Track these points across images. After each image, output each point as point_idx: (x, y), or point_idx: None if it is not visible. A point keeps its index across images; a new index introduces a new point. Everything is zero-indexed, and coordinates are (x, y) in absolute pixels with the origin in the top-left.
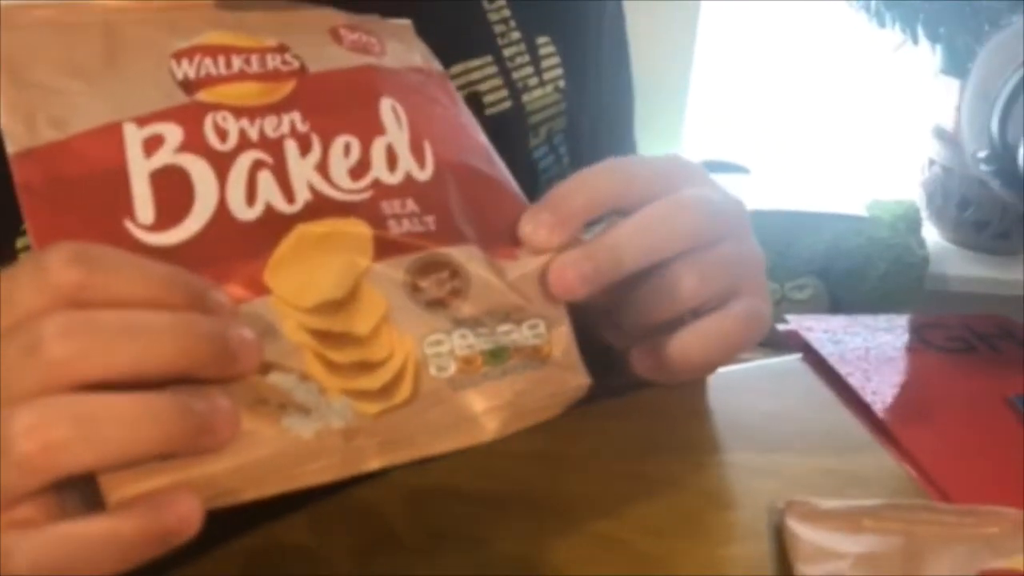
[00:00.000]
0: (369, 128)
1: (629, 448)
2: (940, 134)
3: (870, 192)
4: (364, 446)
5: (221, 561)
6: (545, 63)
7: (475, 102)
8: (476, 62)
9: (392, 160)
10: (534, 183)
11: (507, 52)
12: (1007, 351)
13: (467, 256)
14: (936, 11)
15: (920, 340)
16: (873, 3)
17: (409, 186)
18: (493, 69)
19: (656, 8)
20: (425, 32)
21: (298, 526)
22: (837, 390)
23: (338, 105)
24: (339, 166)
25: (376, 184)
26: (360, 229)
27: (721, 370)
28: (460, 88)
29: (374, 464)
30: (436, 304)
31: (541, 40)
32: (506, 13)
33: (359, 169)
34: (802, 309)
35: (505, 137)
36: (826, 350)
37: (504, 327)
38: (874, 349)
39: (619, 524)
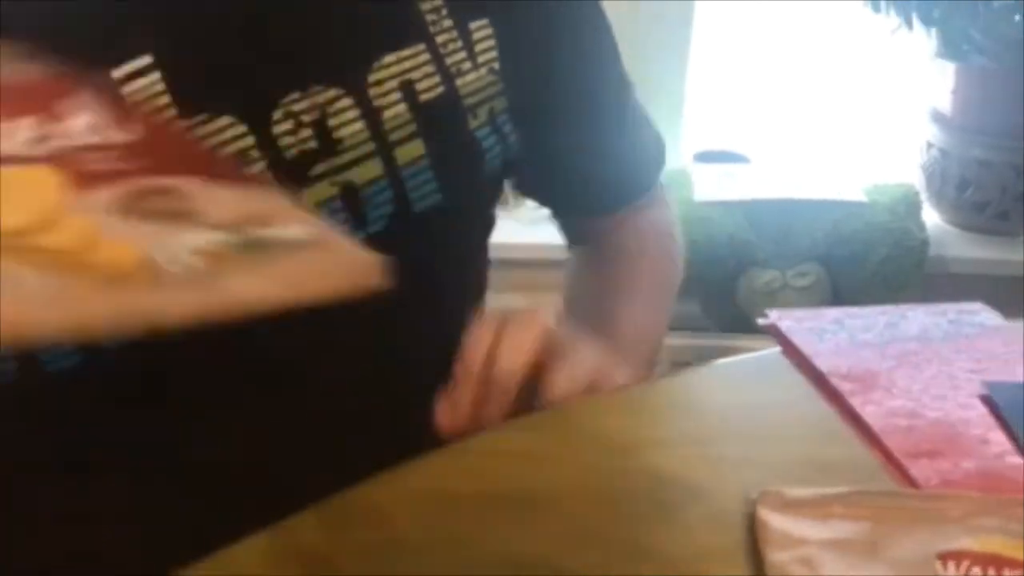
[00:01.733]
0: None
1: (614, 444)
2: (937, 117)
3: (869, 177)
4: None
5: (231, 560)
6: (479, 47)
7: (408, 90)
8: (408, 51)
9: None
10: (479, 162)
11: (439, 39)
12: (982, 341)
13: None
14: None
15: (897, 331)
16: None
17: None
18: (426, 56)
19: (650, 9)
20: (357, 24)
21: (307, 525)
22: (814, 382)
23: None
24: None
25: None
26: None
27: (704, 365)
28: (393, 77)
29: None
30: (162, 217)
31: (476, 24)
32: (438, 2)
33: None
34: (804, 296)
35: (440, 121)
36: (805, 343)
37: (259, 229)
38: (852, 342)
39: (604, 517)
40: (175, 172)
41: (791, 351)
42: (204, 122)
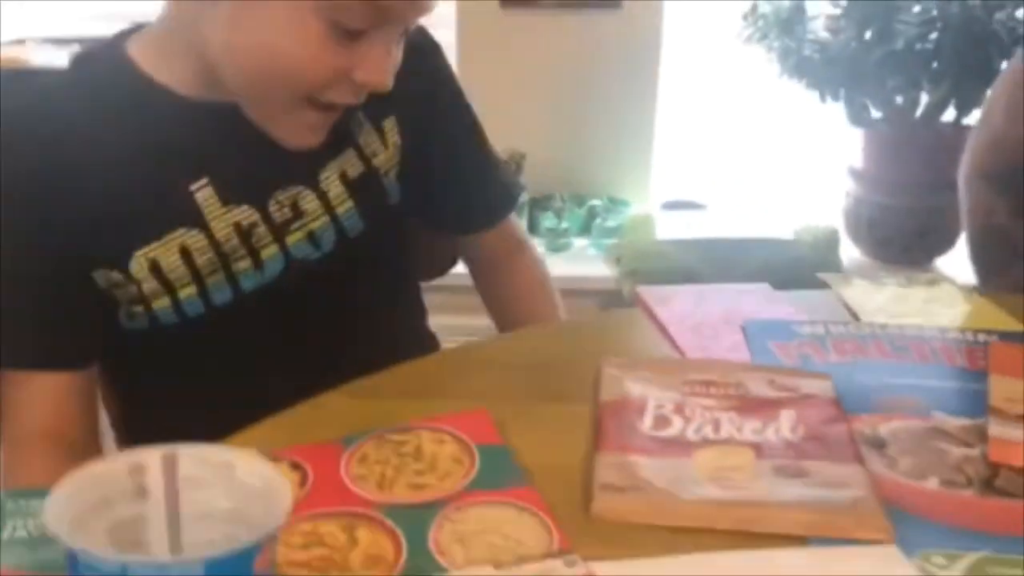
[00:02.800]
0: None
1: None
2: (852, 172)
3: (802, 220)
4: None
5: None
6: (388, 136)
7: (343, 175)
8: (342, 156)
9: None
10: (388, 204)
11: (361, 140)
12: (757, 302)
13: None
14: (836, 76)
15: (722, 310)
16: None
17: None
18: (353, 153)
19: (623, 79)
20: (314, 149)
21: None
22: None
23: None
24: None
25: None
26: None
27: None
28: (333, 172)
29: None
30: None
31: (387, 122)
32: (360, 116)
33: None
34: None
35: (363, 186)
36: (659, 309)
37: None
38: (692, 312)
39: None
40: None
41: (646, 309)
42: (231, 209)
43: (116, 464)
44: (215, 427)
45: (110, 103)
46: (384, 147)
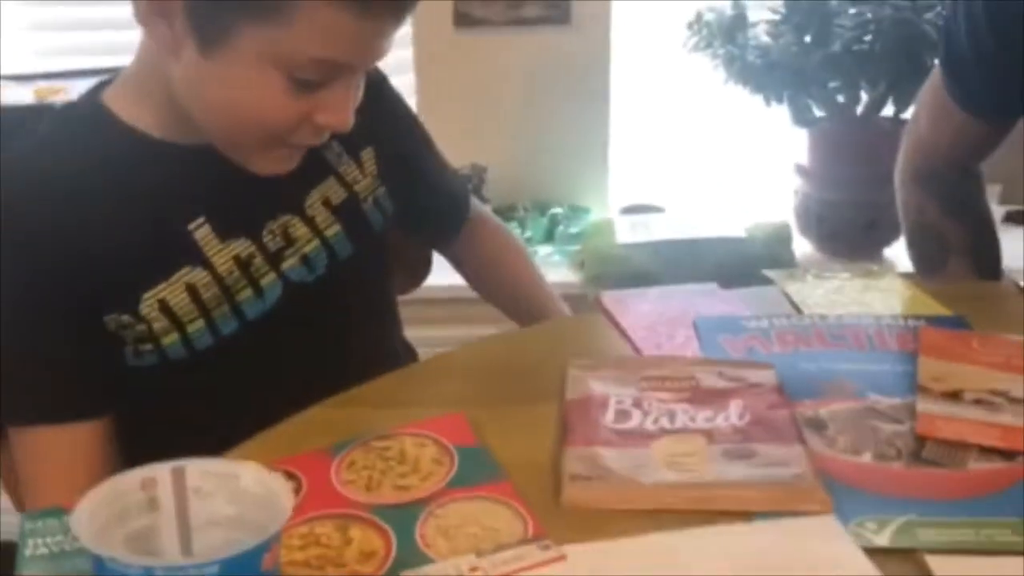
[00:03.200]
0: None
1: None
2: (800, 170)
3: (754, 218)
4: None
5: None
6: (366, 165)
7: (326, 202)
8: (324, 184)
9: None
10: (371, 226)
11: (341, 169)
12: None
13: None
14: (779, 79)
15: (675, 310)
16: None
17: None
18: (334, 181)
19: (576, 91)
20: (298, 179)
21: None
22: (617, 328)
23: None
24: None
25: None
26: None
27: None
28: (318, 199)
29: None
30: None
31: (365, 152)
32: (337, 149)
33: None
34: None
35: (347, 212)
36: (619, 313)
37: None
38: (648, 314)
39: None
40: None
41: (607, 313)
42: (229, 244)
43: (130, 479)
44: (213, 446)
45: (96, 157)
46: (363, 175)
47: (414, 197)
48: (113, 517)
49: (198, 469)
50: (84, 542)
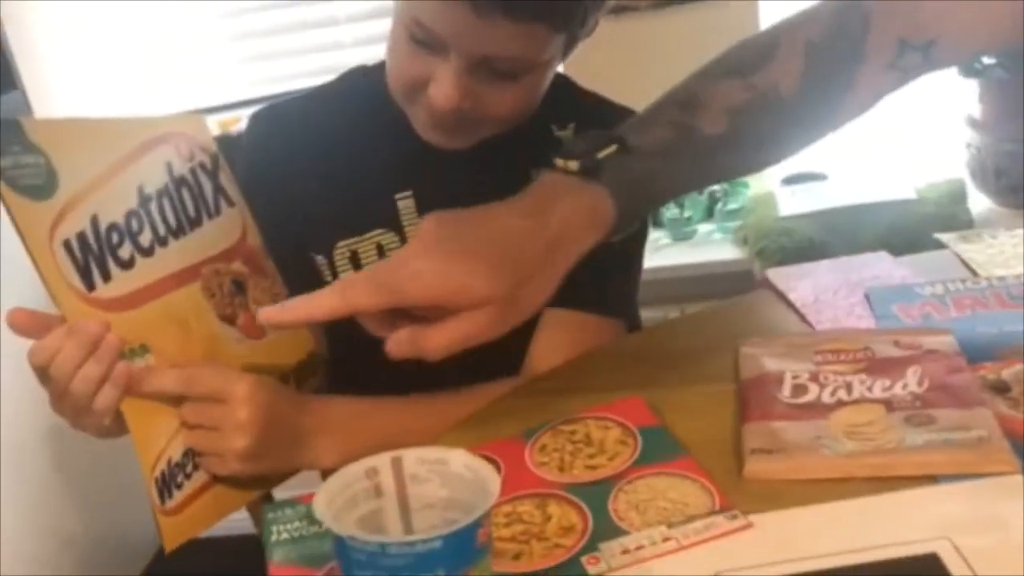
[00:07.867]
0: None
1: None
2: (972, 122)
3: (924, 177)
4: None
5: None
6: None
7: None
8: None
9: None
10: None
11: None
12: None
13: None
14: None
15: (845, 281)
16: None
17: None
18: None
19: None
20: (499, 182)
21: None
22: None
23: None
24: None
25: None
26: None
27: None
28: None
29: None
30: None
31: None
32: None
33: None
34: None
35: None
36: (787, 288)
37: None
38: (817, 287)
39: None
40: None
41: (775, 289)
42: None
43: (356, 470)
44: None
45: (360, 113)
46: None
47: None
48: (346, 503)
49: (413, 457)
50: (327, 524)
